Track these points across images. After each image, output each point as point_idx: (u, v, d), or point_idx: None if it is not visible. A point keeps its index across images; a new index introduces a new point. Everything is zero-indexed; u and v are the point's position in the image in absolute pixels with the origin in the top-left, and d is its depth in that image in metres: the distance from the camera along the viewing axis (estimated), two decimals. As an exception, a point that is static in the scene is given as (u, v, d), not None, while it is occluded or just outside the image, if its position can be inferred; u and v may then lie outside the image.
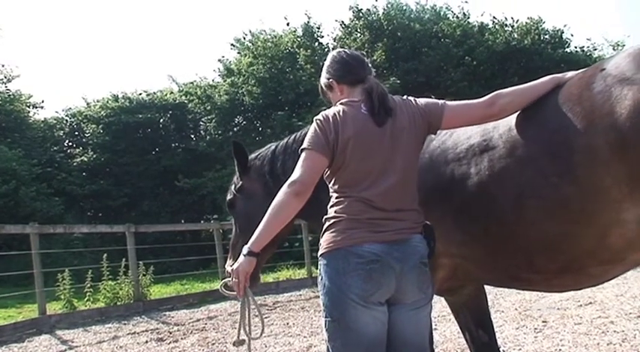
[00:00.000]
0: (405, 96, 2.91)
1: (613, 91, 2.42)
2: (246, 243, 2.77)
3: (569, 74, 2.78)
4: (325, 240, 2.71)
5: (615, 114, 2.38)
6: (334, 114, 2.75)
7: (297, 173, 2.69)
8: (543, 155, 2.61)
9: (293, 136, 3.87)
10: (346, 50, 3.04)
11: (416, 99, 2.89)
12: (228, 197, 4.07)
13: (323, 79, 3.00)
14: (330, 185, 2.81)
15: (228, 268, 2.85)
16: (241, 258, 2.75)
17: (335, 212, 2.72)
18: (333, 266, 2.65)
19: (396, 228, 2.67)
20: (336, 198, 2.76)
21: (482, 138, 2.89)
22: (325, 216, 2.77)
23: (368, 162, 2.68)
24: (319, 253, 2.75)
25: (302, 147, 2.75)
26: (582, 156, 2.47)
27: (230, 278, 2.87)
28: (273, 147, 3.98)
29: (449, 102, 2.87)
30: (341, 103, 2.82)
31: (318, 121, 2.76)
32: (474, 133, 2.95)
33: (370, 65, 2.97)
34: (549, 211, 2.61)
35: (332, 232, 2.69)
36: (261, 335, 3.17)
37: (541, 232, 2.67)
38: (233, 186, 4.04)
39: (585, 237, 2.57)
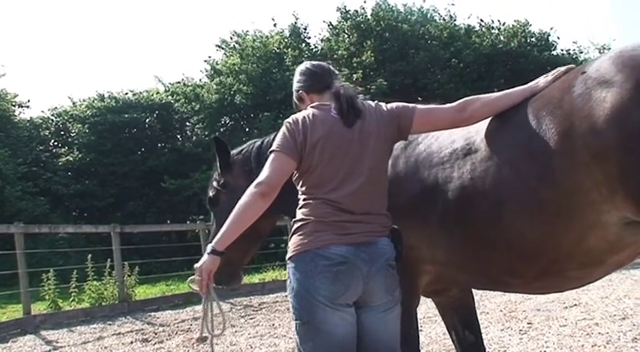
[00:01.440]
0: (375, 102, 2.94)
1: (593, 94, 2.43)
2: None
3: (542, 83, 2.79)
4: (293, 243, 2.72)
5: (594, 117, 2.39)
6: (304, 117, 2.80)
7: (264, 174, 2.72)
8: (523, 158, 2.62)
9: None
10: (311, 62, 3.14)
11: (386, 104, 2.93)
12: (211, 193, 4.04)
13: (294, 93, 3.09)
14: (298, 187, 2.83)
15: (196, 265, 2.86)
16: (205, 256, 2.77)
17: (302, 214, 2.74)
18: (301, 268, 2.67)
19: (363, 231, 2.68)
20: (304, 200, 2.77)
21: (465, 142, 2.90)
22: (293, 219, 2.79)
23: (335, 164, 2.70)
24: (287, 256, 2.76)
25: (271, 149, 2.78)
26: (561, 158, 2.48)
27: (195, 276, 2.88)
28: (258, 142, 3.97)
29: (419, 106, 2.90)
30: (312, 107, 2.87)
31: (287, 124, 2.81)
32: (458, 137, 2.96)
33: (337, 72, 3.03)
34: (528, 214, 2.62)
35: (299, 235, 2.71)
36: (222, 332, 3.24)
37: (520, 235, 2.67)
38: (215, 183, 4.02)
39: (564, 239, 2.58)
